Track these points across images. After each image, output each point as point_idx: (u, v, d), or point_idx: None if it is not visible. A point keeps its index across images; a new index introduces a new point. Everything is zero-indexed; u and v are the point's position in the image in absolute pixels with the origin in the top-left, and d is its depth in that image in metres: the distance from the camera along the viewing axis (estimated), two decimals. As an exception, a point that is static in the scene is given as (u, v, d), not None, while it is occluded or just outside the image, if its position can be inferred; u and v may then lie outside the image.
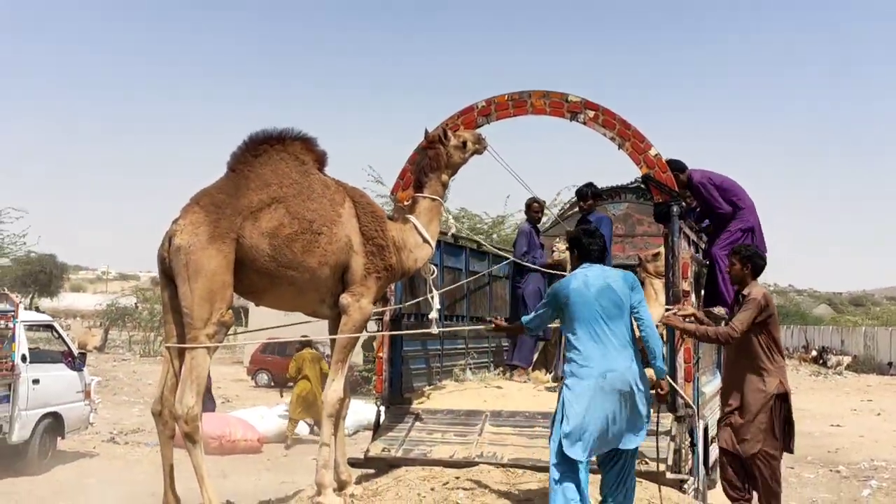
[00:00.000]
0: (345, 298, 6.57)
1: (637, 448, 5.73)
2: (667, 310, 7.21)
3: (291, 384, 16.60)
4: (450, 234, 8.54)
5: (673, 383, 7.13)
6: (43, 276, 52.60)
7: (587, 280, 5.62)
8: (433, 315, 7.53)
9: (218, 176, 6.51)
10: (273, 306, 6.88)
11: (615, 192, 12.04)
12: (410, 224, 7.13)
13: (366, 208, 6.78)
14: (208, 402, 15.77)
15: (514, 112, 7.87)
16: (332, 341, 6.80)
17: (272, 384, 26.55)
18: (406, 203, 7.45)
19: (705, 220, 9.06)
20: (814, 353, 44.47)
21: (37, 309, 47.29)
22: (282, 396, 19.51)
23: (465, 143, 7.35)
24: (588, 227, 6.33)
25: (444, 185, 7.38)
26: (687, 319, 6.89)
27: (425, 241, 7.12)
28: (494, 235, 23.84)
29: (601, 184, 12.35)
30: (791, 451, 6.78)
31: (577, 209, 11.08)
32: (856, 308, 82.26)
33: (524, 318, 6.18)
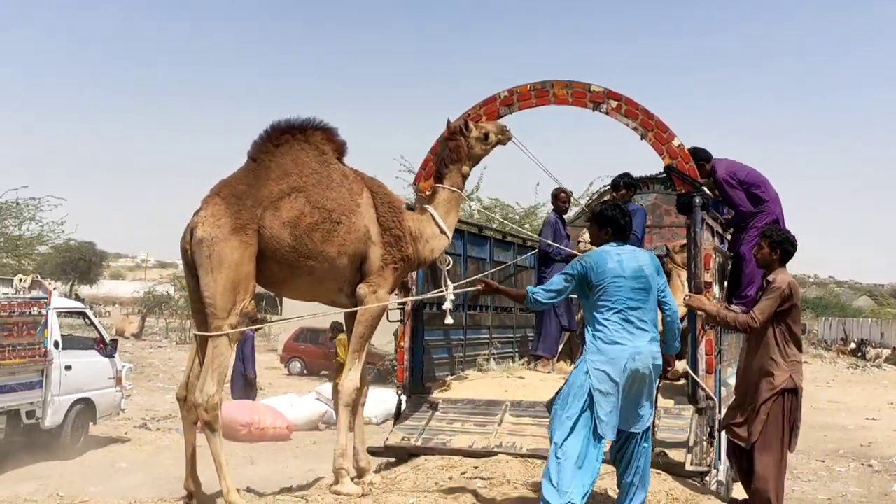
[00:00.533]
0: (361, 289, 6.61)
1: (648, 429, 5.66)
2: (686, 296, 7.13)
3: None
4: (474, 218, 8.52)
5: (694, 375, 7.11)
6: (82, 264, 53.31)
7: (622, 261, 5.55)
8: (448, 306, 7.52)
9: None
10: (292, 296, 6.92)
11: (643, 183, 11.94)
12: (428, 214, 7.14)
13: (383, 198, 6.80)
14: (249, 392, 15.99)
15: (536, 102, 7.84)
16: (352, 329, 6.82)
17: (304, 372, 26.73)
18: (426, 193, 7.46)
19: (725, 208, 8.94)
20: (852, 345, 43.95)
21: (76, 296, 48.10)
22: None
23: (487, 135, 7.32)
24: (612, 202, 6.25)
25: (465, 177, 7.38)
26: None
27: (442, 231, 7.13)
28: (527, 225, 23.80)
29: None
30: (790, 450, 6.45)
31: (605, 199, 11.02)
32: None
33: (531, 288, 5.95)
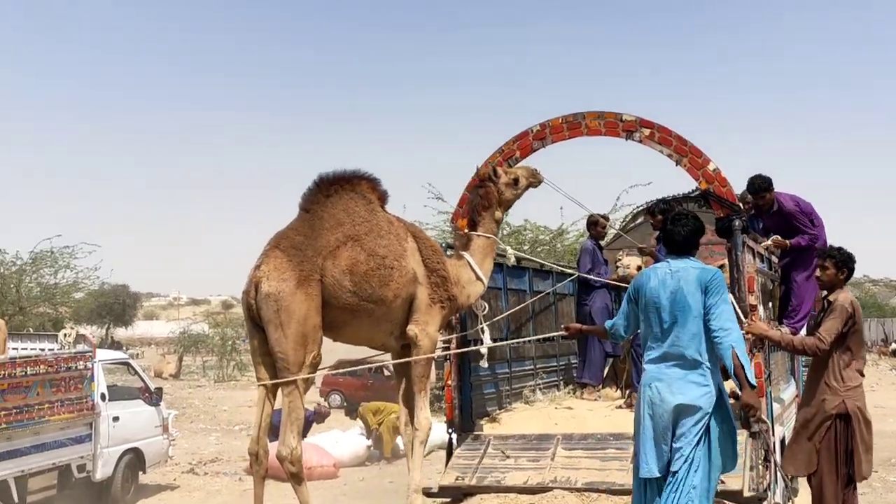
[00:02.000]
0: (412, 329, 6.83)
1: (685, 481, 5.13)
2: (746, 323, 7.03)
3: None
4: (510, 262, 8.58)
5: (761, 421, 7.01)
6: (117, 307, 53.83)
7: (664, 280, 5.33)
8: (484, 350, 7.71)
9: (281, 211, 6.84)
10: (349, 341, 7.06)
11: (676, 202, 11.92)
12: (465, 260, 7.36)
13: (426, 243, 7.09)
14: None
15: (568, 135, 7.89)
16: (401, 372, 7.09)
17: (344, 404, 26.76)
18: (462, 232, 7.59)
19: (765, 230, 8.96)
20: (893, 346, 43.42)
21: (112, 339, 48.48)
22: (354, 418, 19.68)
23: (516, 181, 7.52)
24: (679, 211, 5.82)
25: (498, 222, 7.64)
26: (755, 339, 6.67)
27: (478, 278, 7.33)
28: (559, 246, 23.80)
29: (660, 192, 12.30)
30: (856, 479, 6.26)
31: (639, 221, 11.03)
32: (936, 296, 80.00)
33: (608, 322, 5.93)
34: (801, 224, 8.60)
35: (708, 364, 5.22)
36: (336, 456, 15.10)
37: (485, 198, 7.43)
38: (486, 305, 7.87)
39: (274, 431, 15.23)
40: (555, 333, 7.75)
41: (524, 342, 9.11)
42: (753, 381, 5.29)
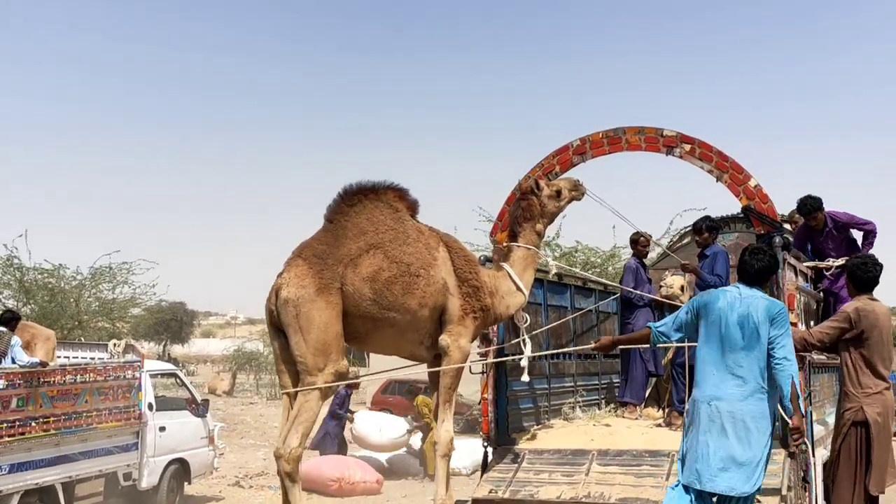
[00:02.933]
0: (444, 340, 6.77)
1: (749, 497, 5.41)
2: None
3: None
4: (551, 274, 8.54)
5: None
6: (174, 324, 54.67)
7: (733, 303, 5.50)
8: (524, 363, 7.60)
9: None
10: (374, 350, 7.07)
11: (724, 223, 11.81)
12: (504, 272, 7.29)
13: (458, 252, 7.00)
14: (341, 449, 16.40)
15: (609, 150, 7.88)
16: (435, 382, 6.96)
17: (395, 423, 26.81)
18: (503, 245, 7.55)
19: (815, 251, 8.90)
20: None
21: (169, 356, 49.16)
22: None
23: (559, 193, 7.46)
24: (757, 245, 6.09)
25: (540, 235, 7.53)
26: None
27: (518, 289, 7.24)
28: (610, 269, 23.61)
29: (709, 212, 12.20)
30: (871, 490, 6.08)
31: (686, 241, 10.93)
32: None
33: (657, 325, 6.01)
34: (858, 223, 8.58)
35: (767, 388, 5.43)
36: (376, 441, 15.32)
37: (527, 210, 7.39)
38: (528, 318, 7.80)
39: (325, 441, 15.42)
40: (585, 347, 7.60)
41: (551, 355, 9.01)
42: (804, 410, 5.57)
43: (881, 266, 6.29)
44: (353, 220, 6.61)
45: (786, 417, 5.56)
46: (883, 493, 6.18)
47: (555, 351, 8.29)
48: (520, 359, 7.66)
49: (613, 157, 7.93)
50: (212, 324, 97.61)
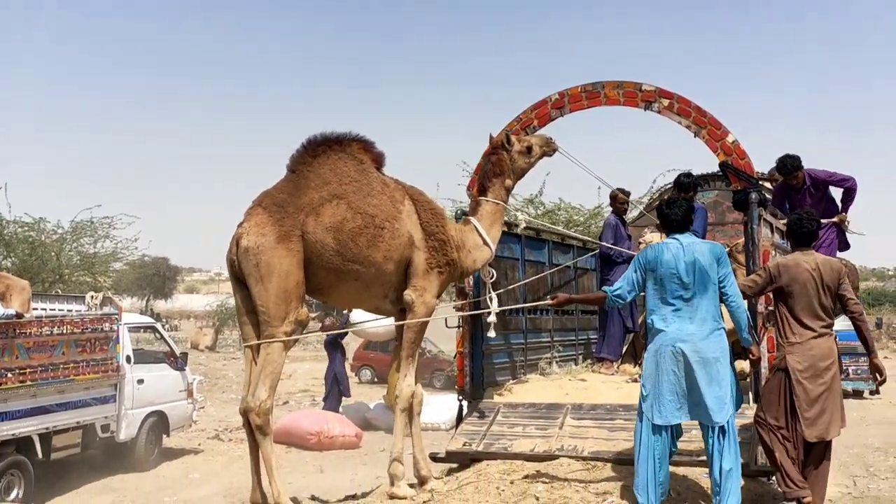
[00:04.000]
0: (409, 294, 6.70)
1: (728, 423, 5.75)
2: None
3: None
4: (519, 229, 8.51)
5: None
6: (157, 279, 54.60)
7: (677, 253, 5.86)
8: (492, 319, 7.58)
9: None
10: (338, 303, 7.02)
11: (704, 180, 11.82)
12: (471, 225, 7.22)
13: (425, 205, 6.89)
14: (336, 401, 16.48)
15: (587, 104, 7.85)
16: (402, 336, 6.92)
17: (375, 380, 26.93)
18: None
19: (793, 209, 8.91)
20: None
21: (151, 311, 49.12)
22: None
23: (530, 148, 7.35)
24: (670, 197, 6.57)
25: (508, 190, 7.43)
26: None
27: (485, 243, 7.18)
28: (593, 226, 23.62)
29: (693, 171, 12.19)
30: (805, 437, 6.14)
31: (670, 196, 10.90)
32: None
33: (607, 288, 6.31)
34: (835, 179, 8.60)
35: (722, 325, 5.88)
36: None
37: (496, 165, 7.30)
38: (494, 273, 7.76)
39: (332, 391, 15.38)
40: (542, 303, 7.57)
41: (529, 310, 9.05)
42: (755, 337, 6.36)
43: (817, 221, 6.49)
44: (317, 170, 6.51)
45: (746, 347, 6.13)
46: (825, 439, 6.23)
47: (514, 307, 8.21)
48: (487, 314, 7.62)
49: (602, 115, 7.90)
50: (195, 280, 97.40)
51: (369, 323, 7.26)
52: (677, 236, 6.00)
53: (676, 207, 6.07)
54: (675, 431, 5.94)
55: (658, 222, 9.50)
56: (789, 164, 8.51)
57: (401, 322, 6.82)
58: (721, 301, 5.90)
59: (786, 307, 6.34)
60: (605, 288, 6.41)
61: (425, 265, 6.72)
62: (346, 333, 17.28)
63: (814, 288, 6.23)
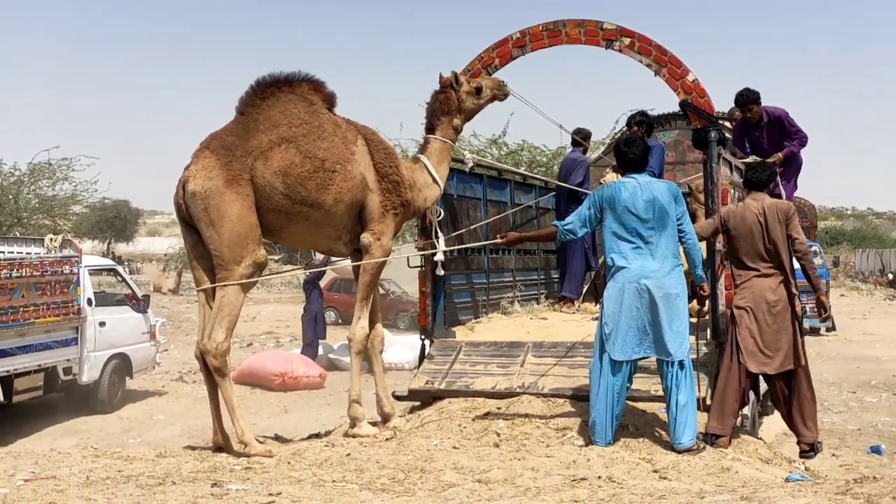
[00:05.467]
0: (365, 237, 6.68)
1: (686, 358, 5.90)
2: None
3: None
4: (468, 168, 8.49)
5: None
6: (118, 222, 53.96)
7: (635, 192, 5.91)
8: (439, 257, 7.58)
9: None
10: (290, 244, 6.97)
11: (665, 120, 11.87)
12: (421, 164, 7.17)
13: (378, 146, 6.81)
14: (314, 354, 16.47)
15: (548, 42, 7.80)
16: (357, 278, 6.92)
17: (339, 321, 26.98)
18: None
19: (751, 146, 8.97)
20: (890, 276, 43.47)
21: (113, 254, 48.69)
22: None
23: (479, 90, 7.28)
24: (627, 136, 6.63)
25: (456, 129, 7.36)
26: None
27: (434, 181, 7.15)
28: (555, 167, 23.65)
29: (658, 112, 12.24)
30: (750, 367, 6.49)
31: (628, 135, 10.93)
32: (937, 230, 79.91)
33: (558, 223, 6.36)
34: (791, 127, 8.66)
35: (681, 262, 6.01)
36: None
37: (444, 103, 7.22)
38: (441, 211, 7.71)
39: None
40: (493, 242, 7.54)
41: (490, 249, 9.12)
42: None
43: (771, 170, 6.84)
44: (266, 112, 6.38)
45: (698, 284, 6.22)
46: (767, 372, 6.50)
47: (462, 246, 8.20)
48: (433, 254, 7.62)
49: (566, 55, 7.87)
50: (158, 222, 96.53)
51: (348, 261, 7.12)
52: (634, 175, 6.05)
53: (634, 146, 6.13)
54: (633, 368, 6.02)
55: (614, 163, 9.59)
56: (746, 96, 8.54)
57: (358, 262, 6.80)
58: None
59: (732, 250, 6.65)
60: (555, 222, 6.43)
61: (381, 208, 6.68)
62: (323, 273, 17.26)
63: (759, 231, 6.50)
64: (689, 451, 5.76)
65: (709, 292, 6.46)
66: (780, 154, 8.66)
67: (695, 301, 6.49)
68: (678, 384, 5.84)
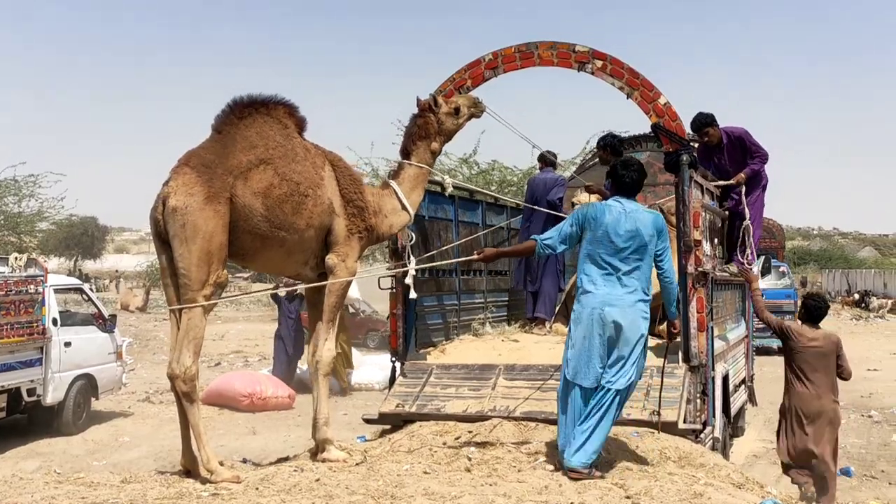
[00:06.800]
0: (331, 259, 6.61)
1: (624, 390, 5.84)
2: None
3: None
4: (447, 192, 8.45)
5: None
6: (85, 239, 53.52)
7: (619, 218, 5.81)
8: (409, 281, 7.54)
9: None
10: (260, 268, 6.89)
11: (636, 141, 11.89)
12: (390, 189, 7.11)
13: (344, 171, 6.77)
14: (290, 370, 16.29)
15: (521, 64, 7.80)
16: (314, 298, 6.86)
17: (307, 341, 26.90)
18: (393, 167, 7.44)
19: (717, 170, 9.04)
20: (856, 296, 43.94)
21: (80, 271, 48.24)
22: None
23: (457, 110, 7.22)
24: (626, 158, 6.42)
25: (434, 153, 7.30)
26: None
27: (404, 207, 7.08)
28: (525, 187, 23.73)
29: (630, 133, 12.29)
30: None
31: (597, 160, 10.98)
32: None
33: (537, 237, 6.22)
34: (752, 145, 8.76)
35: (649, 296, 5.94)
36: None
37: (423, 127, 7.16)
38: (413, 236, 7.68)
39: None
40: (469, 258, 7.47)
41: (461, 272, 9.11)
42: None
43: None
44: (243, 132, 6.33)
45: (670, 320, 6.22)
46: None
47: (438, 264, 8.17)
48: (403, 273, 7.58)
49: (537, 76, 7.88)
50: (126, 239, 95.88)
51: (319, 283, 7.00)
52: (622, 200, 5.94)
53: (632, 170, 6.01)
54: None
55: (587, 184, 9.61)
56: (699, 121, 8.65)
57: (323, 283, 6.72)
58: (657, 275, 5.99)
59: None
60: (534, 236, 6.29)
61: (346, 231, 6.64)
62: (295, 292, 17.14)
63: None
64: (574, 472, 5.64)
65: (679, 329, 6.41)
66: (742, 174, 8.73)
67: (665, 324, 6.46)
68: (598, 409, 5.76)
